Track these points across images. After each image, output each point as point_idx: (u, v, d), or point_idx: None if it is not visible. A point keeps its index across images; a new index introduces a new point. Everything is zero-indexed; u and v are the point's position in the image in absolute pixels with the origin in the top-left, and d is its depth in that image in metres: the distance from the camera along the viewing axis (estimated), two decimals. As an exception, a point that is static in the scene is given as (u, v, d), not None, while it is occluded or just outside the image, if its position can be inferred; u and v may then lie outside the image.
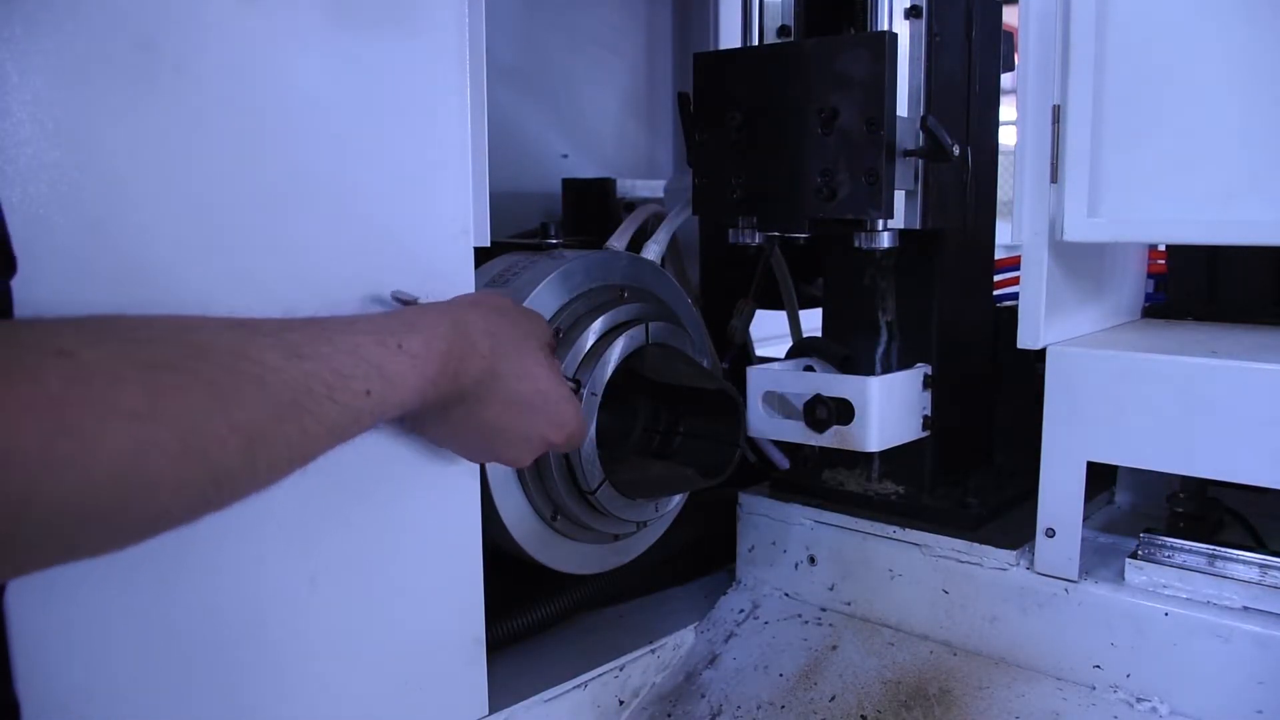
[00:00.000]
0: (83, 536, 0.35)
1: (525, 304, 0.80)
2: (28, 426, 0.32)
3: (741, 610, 0.94)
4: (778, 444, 0.96)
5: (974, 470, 0.94)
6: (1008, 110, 0.86)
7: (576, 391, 0.73)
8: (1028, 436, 0.81)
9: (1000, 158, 0.93)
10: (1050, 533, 0.79)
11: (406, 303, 0.61)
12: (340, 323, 0.48)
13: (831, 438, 0.83)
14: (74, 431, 0.33)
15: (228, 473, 0.39)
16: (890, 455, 0.88)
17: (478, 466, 0.70)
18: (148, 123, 0.50)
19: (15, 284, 0.44)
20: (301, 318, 0.47)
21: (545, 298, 0.81)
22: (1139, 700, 0.75)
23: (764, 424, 0.88)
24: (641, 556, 0.95)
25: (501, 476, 0.78)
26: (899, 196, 0.79)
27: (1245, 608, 0.72)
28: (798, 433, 0.85)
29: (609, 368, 0.80)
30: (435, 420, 0.60)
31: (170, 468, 0.36)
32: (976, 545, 0.83)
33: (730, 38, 1.32)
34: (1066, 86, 0.75)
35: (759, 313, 1.13)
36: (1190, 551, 0.75)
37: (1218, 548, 0.74)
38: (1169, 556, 0.76)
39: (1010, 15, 0.85)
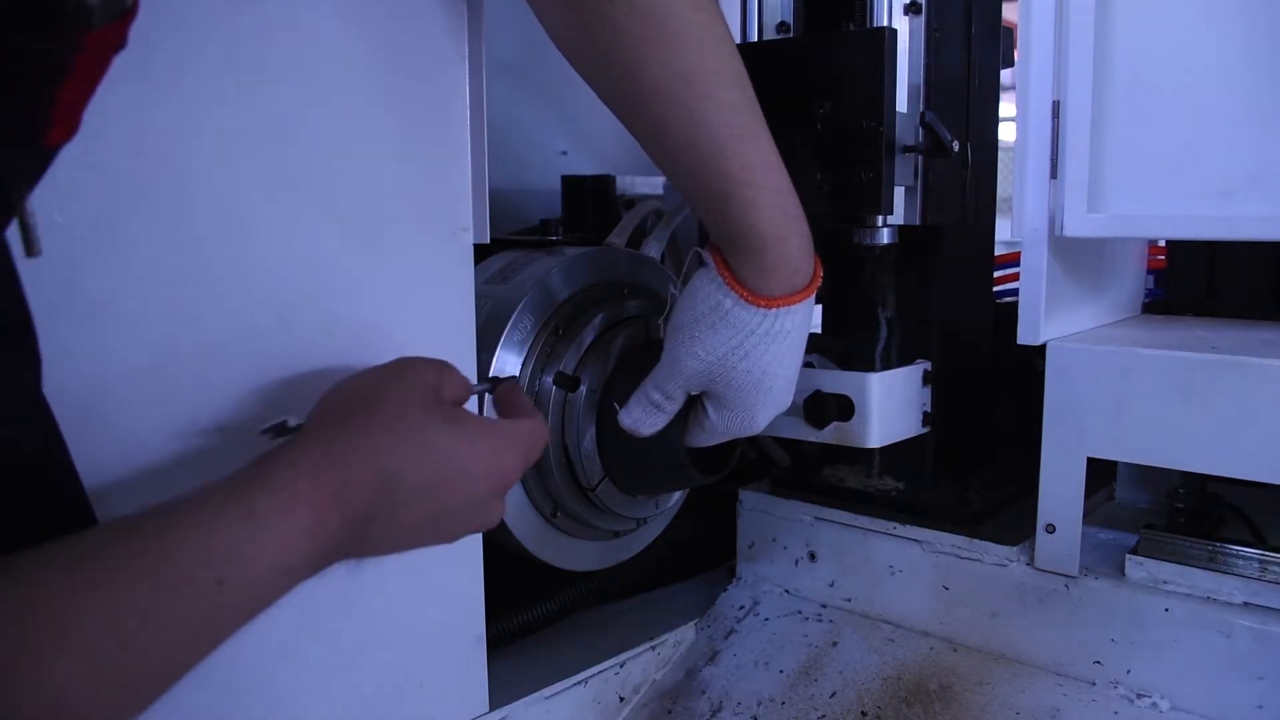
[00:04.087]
0: None
1: (524, 301, 0.79)
2: None
3: (742, 607, 0.94)
4: (778, 440, 0.95)
5: (974, 466, 0.94)
6: (1007, 106, 0.85)
7: (495, 389, 0.62)
8: (1028, 432, 0.81)
9: (1000, 154, 0.93)
10: (1050, 528, 0.79)
11: (280, 429, 0.50)
12: (190, 498, 0.41)
13: (831, 434, 0.83)
14: None
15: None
16: (890, 451, 0.88)
17: None
18: (146, 118, 0.50)
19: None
20: (159, 505, 0.40)
21: (544, 294, 0.81)
22: (1139, 696, 0.75)
23: (764, 420, 0.87)
24: (642, 553, 0.95)
25: (501, 474, 0.78)
26: (898, 193, 0.79)
27: (1246, 603, 0.72)
28: (798, 429, 0.85)
29: (609, 364, 0.80)
30: (359, 548, 0.48)
31: None
32: (977, 541, 0.83)
33: (729, 34, 1.31)
34: (1066, 82, 0.75)
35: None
36: (1190, 547, 0.75)
37: (1218, 543, 0.74)
38: (1169, 552, 0.76)
39: (1010, 11, 0.85)
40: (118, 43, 0.38)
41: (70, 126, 0.39)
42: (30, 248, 0.39)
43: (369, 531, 0.47)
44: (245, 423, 0.55)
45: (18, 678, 0.34)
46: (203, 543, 0.39)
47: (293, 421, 0.50)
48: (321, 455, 0.45)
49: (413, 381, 0.51)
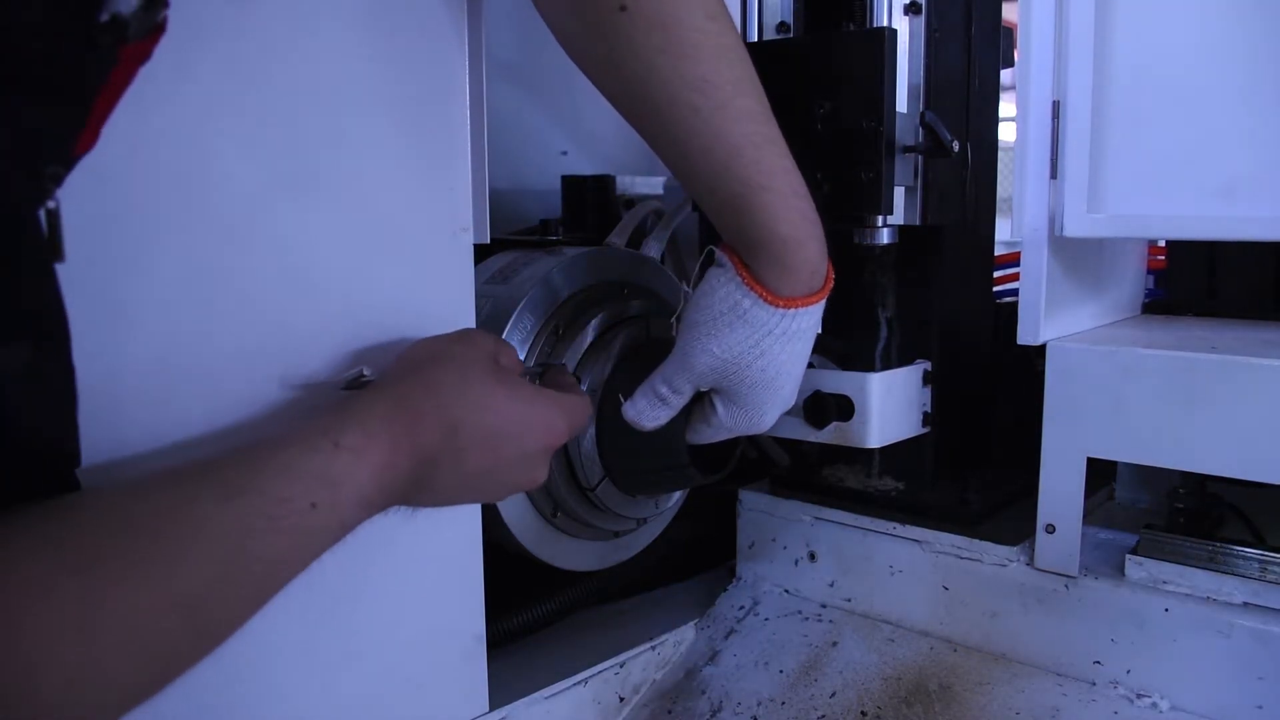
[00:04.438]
0: None
1: (524, 300, 0.80)
2: None
3: (742, 607, 0.94)
4: (778, 440, 0.95)
5: (974, 466, 0.94)
6: (1007, 106, 0.86)
7: (544, 373, 0.69)
8: (1028, 432, 0.81)
9: (1000, 154, 0.93)
10: (1050, 529, 0.79)
11: (355, 381, 0.57)
12: (270, 442, 0.45)
13: (831, 434, 0.83)
14: (18, 666, 0.33)
15: (174, 652, 0.39)
16: (890, 451, 0.88)
17: None
18: (148, 120, 0.50)
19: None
20: (238, 448, 0.44)
21: (544, 294, 0.81)
22: (1139, 696, 0.75)
23: (764, 420, 0.87)
24: (642, 553, 0.95)
25: (501, 473, 0.78)
26: (898, 193, 0.79)
27: (1245, 603, 0.72)
28: (797, 429, 0.85)
29: (609, 364, 0.80)
30: (420, 493, 0.54)
31: (113, 671, 0.36)
32: (976, 541, 0.83)
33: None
34: (1066, 82, 0.75)
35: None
36: (1190, 547, 0.75)
37: (1218, 543, 0.74)
38: (1169, 552, 0.76)
39: (1010, 11, 0.85)
40: (146, 57, 0.39)
41: (94, 137, 0.40)
42: (56, 253, 0.40)
43: (432, 475, 0.52)
44: (244, 421, 0.55)
45: (152, 604, 0.37)
46: (298, 468, 0.44)
47: (368, 372, 0.57)
48: (395, 402, 0.50)
49: (477, 347, 0.59)
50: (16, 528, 0.36)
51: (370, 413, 0.49)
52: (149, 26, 0.37)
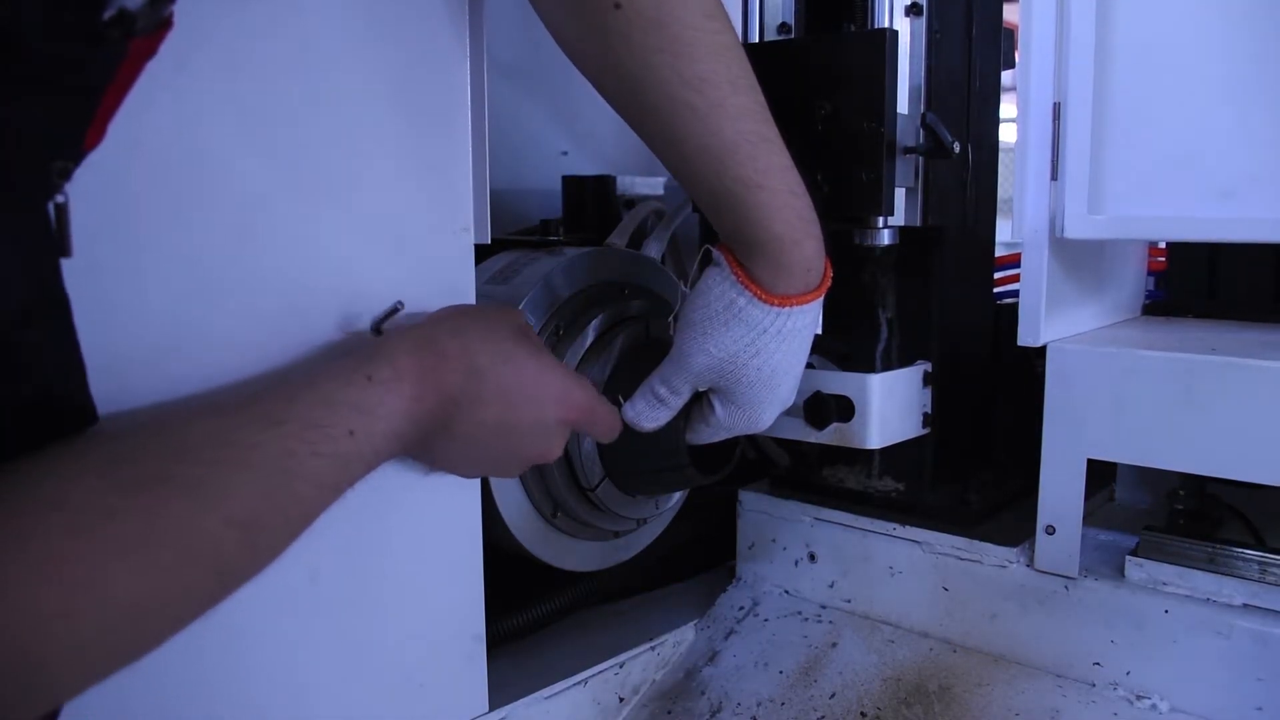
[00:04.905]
0: (105, 667, 0.37)
1: (525, 301, 0.80)
2: (37, 591, 0.33)
3: (741, 607, 0.94)
4: (777, 440, 0.95)
5: (974, 467, 0.94)
6: (1008, 107, 0.86)
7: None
8: (1028, 434, 0.81)
9: (1000, 155, 0.93)
10: (1050, 530, 0.79)
11: (391, 313, 0.60)
12: (304, 375, 0.49)
13: (831, 435, 0.83)
14: (82, 585, 0.34)
15: (230, 567, 0.41)
16: (890, 452, 0.88)
17: None
18: (148, 117, 0.50)
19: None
20: (268, 381, 0.48)
21: (545, 294, 0.81)
22: (1139, 697, 0.75)
23: (764, 421, 0.87)
24: (642, 553, 0.95)
25: (502, 474, 0.78)
26: (899, 194, 0.79)
27: (1245, 605, 0.72)
28: (797, 429, 0.85)
29: (609, 365, 0.80)
30: (441, 440, 0.57)
31: (175, 584, 0.38)
32: (976, 542, 0.83)
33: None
34: (1067, 83, 0.75)
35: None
36: (1190, 548, 0.75)
37: (1218, 545, 0.74)
38: (1169, 553, 0.76)
39: (1011, 12, 0.85)
40: (152, 53, 0.40)
41: (101, 132, 0.40)
42: (64, 249, 0.40)
43: (454, 417, 0.55)
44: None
45: (208, 523, 0.39)
46: (336, 399, 0.47)
47: (402, 305, 0.60)
48: (422, 342, 0.54)
49: (505, 312, 0.62)
50: (70, 454, 0.37)
51: (399, 349, 0.52)
52: (156, 21, 0.38)
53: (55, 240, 0.39)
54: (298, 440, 0.44)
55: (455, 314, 0.59)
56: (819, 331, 0.88)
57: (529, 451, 0.62)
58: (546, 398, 0.60)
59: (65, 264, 0.41)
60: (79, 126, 0.39)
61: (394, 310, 0.60)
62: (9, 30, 0.33)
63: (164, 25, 0.39)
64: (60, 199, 0.39)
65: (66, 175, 0.39)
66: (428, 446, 0.57)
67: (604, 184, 1.06)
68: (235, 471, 0.41)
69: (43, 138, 0.37)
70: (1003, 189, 0.93)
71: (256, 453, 0.42)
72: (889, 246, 0.81)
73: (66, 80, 0.36)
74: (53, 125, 0.37)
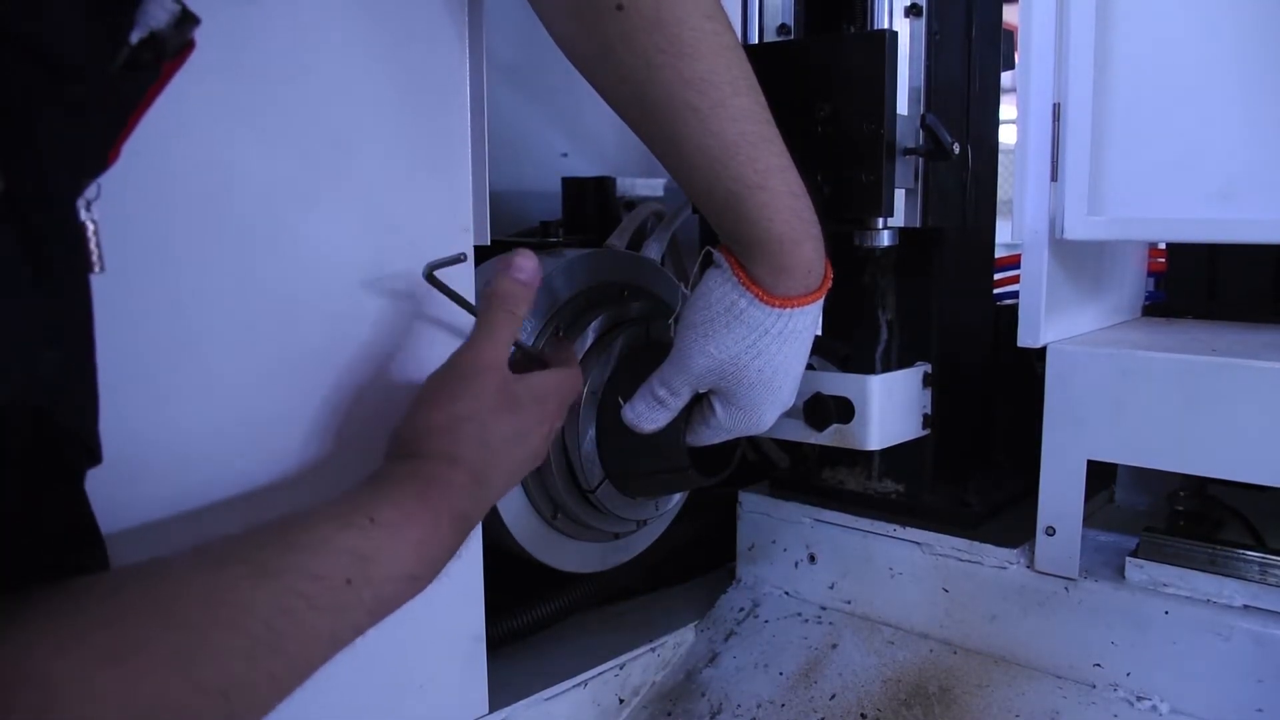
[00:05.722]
0: None
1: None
2: None
3: (741, 609, 0.94)
4: (777, 442, 0.95)
5: (974, 469, 0.94)
6: (1008, 109, 0.86)
7: (527, 352, 0.69)
8: (1028, 435, 0.81)
9: (1000, 156, 0.93)
10: (1050, 531, 0.79)
11: (454, 260, 0.60)
12: (304, 518, 0.45)
13: (831, 436, 0.83)
14: None
15: None
16: (890, 454, 0.88)
17: None
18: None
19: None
20: (270, 524, 0.44)
21: (545, 296, 0.81)
22: (1139, 699, 0.75)
23: (764, 422, 0.87)
24: (642, 555, 0.95)
25: (501, 475, 0.78)
26: (899, 195, 0.79)
27: (1245, 606, 0.72)
28: (798, 431, 0.85)
29: (609, 367, 0.80)
30: (472, 519, 0.55)
31: None
32: (976, 544, 0.83)
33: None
34: (1067, 85, 0.75)
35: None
36: (1190, 549, 0.75)
37: (1218, 546, 0.74)
38: (1169, 554, 0.76)
39: (1010, 13, 0.85)
40: (174, 74, 0.40)
41: (119, 152, 0.40)
42: (94, 264, 0.40)
43: (473, 513, 0.53)
44: (244, 419, 0.55)
45: (183, 692, 0.37)
46: (334, 544, 0.44)
47: (466, 255, 0.61)
48: (425, 480, 0.51)
49: (488, 375, 0.57)
50: (52, 615, 0.36)
51: (403, 489, 0.49)
52: (181, 43, 0.38)
53: (84, 258, 0.39)
54: (292, 594, 0.41)
55: (444, 400, 0.55)
56: (819, 333, 0.88)
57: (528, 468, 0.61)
58: (536, 431, 0.59)
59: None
60: (106, 147, 0.39)
61: (456, 259, 0.60)
62: (56, 55, 0.33)
63: (188, 46, 0.39)
64: (91, 216, 0.39)
65: (96, 193, 0.39)
66: (459, 546, 0.54)
67: (604, 185, 1.06)
68: (222, 635, 0.38)
69: (75, 158, 0.37)
70: (1003, 190, 0.93)
71: (247, 612, 0.40)
72: (889, 248, 0.81)
73: (107, 103, 0.36)
74: (85, 147, 0.37)
